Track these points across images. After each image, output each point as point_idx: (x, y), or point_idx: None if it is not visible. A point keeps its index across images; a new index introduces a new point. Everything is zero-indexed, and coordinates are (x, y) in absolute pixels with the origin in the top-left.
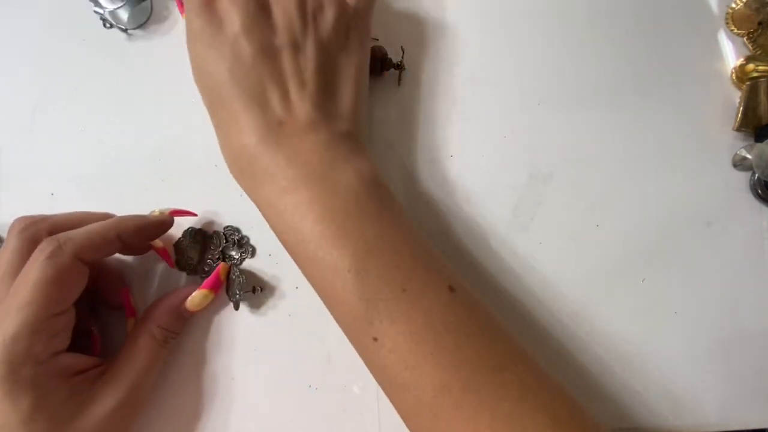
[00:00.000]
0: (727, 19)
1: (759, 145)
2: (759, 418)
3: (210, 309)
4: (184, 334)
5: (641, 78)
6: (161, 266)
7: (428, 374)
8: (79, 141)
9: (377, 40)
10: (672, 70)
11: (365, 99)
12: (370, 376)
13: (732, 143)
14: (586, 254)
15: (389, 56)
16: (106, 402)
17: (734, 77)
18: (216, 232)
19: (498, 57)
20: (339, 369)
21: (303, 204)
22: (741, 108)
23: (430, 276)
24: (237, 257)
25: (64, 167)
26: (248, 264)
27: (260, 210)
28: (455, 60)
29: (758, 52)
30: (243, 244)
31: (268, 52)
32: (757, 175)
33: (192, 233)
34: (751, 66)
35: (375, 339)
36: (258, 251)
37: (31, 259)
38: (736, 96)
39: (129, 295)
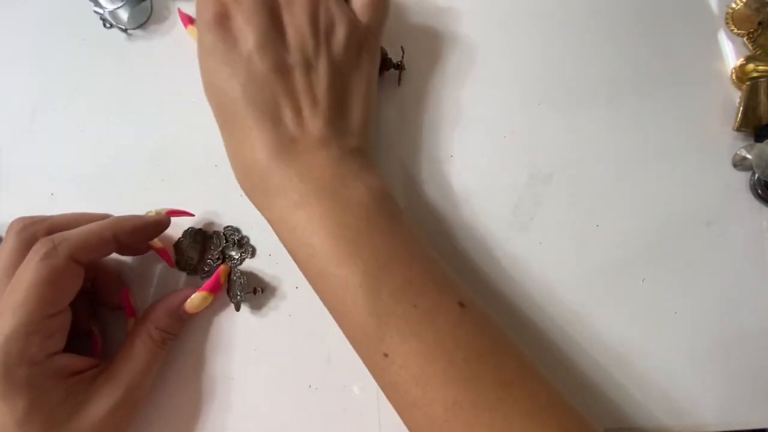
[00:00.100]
0: (727, 19)
1: (759, 145)
2: (759, 418)
3: (210, 310)
4: (185, 334)
5: (641, 78)
6: (161, 266)
7: (439, 391)
8: (79, 141)
9: None
10: (672, 70)
11: (375, 115)
12: (370, 376)
13: (732, 143)
14: (586, 254)
15: (389, 56)
16: (103, 403)
17: (734, 77)
18: (216, 232)
19: (498, 57)
20: (339, 369)
21: (315, 219)
22: (741, 108)
23: (440, 292)
24: (237, 257)
25: (64, 167)
26: (248, 264)
27: (271, 225)
28: (455, 60)
29: (758, 52)
30: (243, 244)
31: (281, 70)
32: (757, 175)
33: (192, 233)
34: (751, 66)
35: (385, 355)
36: (258, 251)
37: (25, 260)
38: (736, 96)
39: (129, 295)
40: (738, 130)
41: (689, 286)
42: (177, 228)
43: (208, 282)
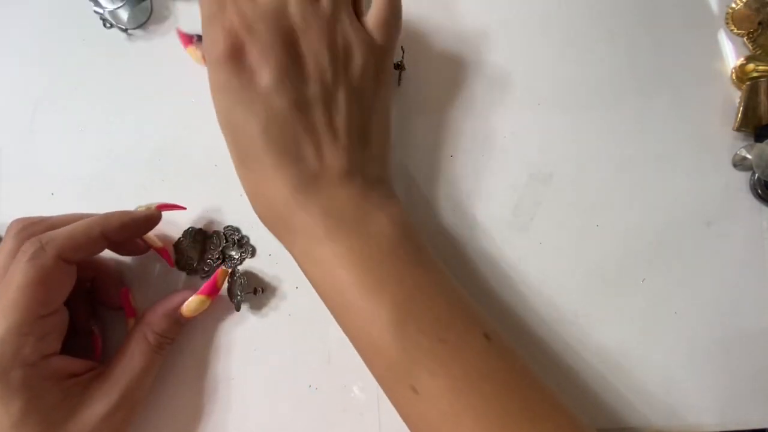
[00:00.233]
0: (727, 19)
1: (759, 145)
2: (759, 418)
3: (211, 310)
4: (185, 335)
5: (641, 78)
6: (161, 266)
7: (467, 425)
8: (79, 141)
9: None
10: (672, 70)
11: (392, 139)
12: (371, 376)
13: (732, 143)
14: (586, 254)
15: None
16: (99, 406)
17: (734, 77)
18: (216, 232)
19: (498, 57)
20: (339, 369)
21: (341, 254)
22: (741, 108)
23: (466, 325)
24: (237, 257)
25: (64, 167)
26: (248, 264)
27: (296, 260)
28: (455, 60)
29: (758, 52)
30: (243, 244)
31: (300, 106)
32: (757, 175)
33: (192, 233)
34: (751, 66)
35: (414, 390)
36: (258, 251)
37: (14, 261)
38: (736, 96)
39: (129, 296)
40: (738, 130)
41: (689, 286)
42: (177, 228)
43: (205, 285)
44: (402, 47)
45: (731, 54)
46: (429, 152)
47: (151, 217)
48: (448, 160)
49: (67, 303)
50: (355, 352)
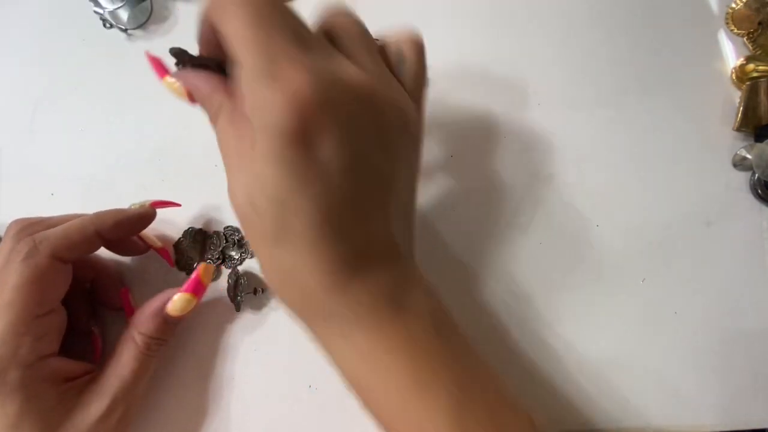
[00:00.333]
0: (727, 19)
1: (759, 145)
2: (759, 418)
3: (211, 311)
4: (185, 335)
5: (641, 78)
6: (161, 266)
7: None
8: (79, 141)
9: (377, 40)
10: (672, 70)
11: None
12: None
13: (732, 143)
14: (586, 254)
15: None
16: (92, 411)
17: (734, 77)
18: (216, 232)
19: (498, 57)
20: None
21: (386, 337)
22: (741, 108)
23: (514, 411)
24: (237, 257)
25: (64, 167)
26: (248, 264)
27: (327, 348)
28: (455, 60)
29: (758, 52)
30: (243, 244)
31: (362, 182)
32: (757, 175)
33: (192, 233)
34: (751, 66)
35: None
36: None
37: (9, 261)
38: (736, 96)
39: (128, 296)
40: (738, 130)
41: (689, 286)
42: (177, 228)
43: (189, 283)
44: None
45: (731, 54)
46: (429, 152)
47: (145, 215)
48: (448, 160)
49: (67, 303)
50: None
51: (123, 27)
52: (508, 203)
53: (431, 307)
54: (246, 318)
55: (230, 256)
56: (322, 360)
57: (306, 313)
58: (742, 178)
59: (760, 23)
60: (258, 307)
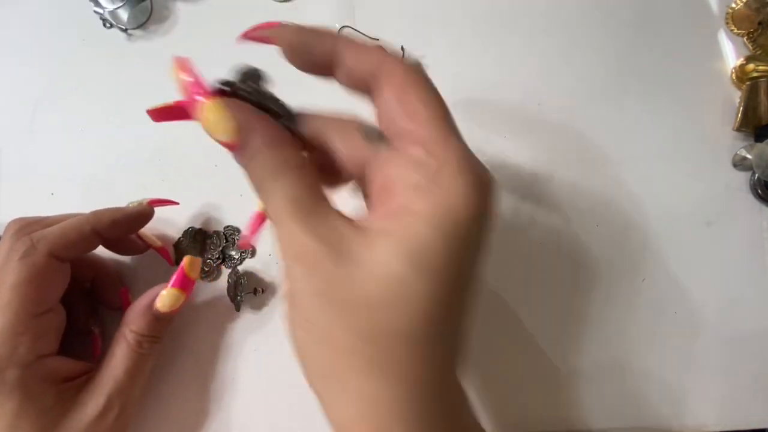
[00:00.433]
0: (727, 19)
1: (759, 145)
2: (759, 418)
3: (211, 310)
4: (185, 335)
5: (641, 78)
6: (161, 266)
7: None
8: (79, 141)
9: (377, 40)
10: (672, 70)
11: None
12: None
13: (732, 143)
14: (586, 254)
15: None
16: (88, 411)
17: (734, 77)
18: (216, 232)
19: (498, 57)
20: None
21: None
22: (741, 108)
23: None
24: (237, 257)
25: (64, 167)
26: (248, 264)
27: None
28: (455, 60)
29: (758, 52)
30: None
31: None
32: (757, 175)
33: (192, 233)
34: (751, 66)
35: None
36: (258, 251)
37: (6, 260)
38: (736, 96)
39: (128, 295)
40: (738, 130)
41: (689, 286)
42: (177, 228)
43: (175, 278)
44: (402, 47)
45: (731, 54)
46: None
47: (143, 213)
48: None
49: (67, 303)
50: None
51: (123, 27)
52: (508, 203)
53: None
54: (246, 318)
55: (230, 255)
56: None
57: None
58: (742, 178)
59: (760, 23)
60: (258, 307)
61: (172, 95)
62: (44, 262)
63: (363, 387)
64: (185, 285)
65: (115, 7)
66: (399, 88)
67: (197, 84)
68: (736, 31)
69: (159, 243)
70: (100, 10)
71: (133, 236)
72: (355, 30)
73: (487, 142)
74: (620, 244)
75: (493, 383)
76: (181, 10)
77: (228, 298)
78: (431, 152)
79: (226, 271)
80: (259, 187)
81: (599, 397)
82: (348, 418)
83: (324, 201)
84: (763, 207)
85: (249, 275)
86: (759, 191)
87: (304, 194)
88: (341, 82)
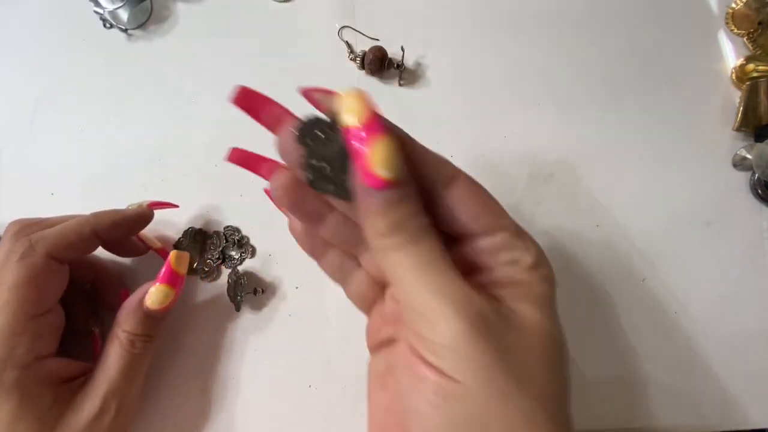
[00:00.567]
0: (727, 19)
1: (759, 145)
2: (759, 418)
3: (211, 310)
4: (185, 335)
5: (641, 78)
6: (161, 267)
7: None
8: (79, 141)
9: (377, 40)
10: (672, 70)
11: None
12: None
13: (732, 143)
14: (586, 254)
15: (389, 56)
16: (85, 412)
17: (734, 77)
18: (216, 232)
19: (498, 57)
20: (339, 369)
21: None
22: (741, 108)
23: None
24: (237, 257)
25: (64, 167)
26: (248, 264)
27: None
28: (455, 60)
29: (758, 52)
30: (243, 244)
31: None
32: (757, 175)
33: (192, 233)
34: (751, 66)
35: None
36: (258, 251)
37: (5, 261)
38: (736, 96)
39: (128, 297)
40: (738, 130)
41: (689, 286)
42: (177, 228)
43: (162, 274)
44: (402, 47)
45: (731, 54)
46: None
47: (142, 215)
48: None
49: (67, 304)
50: (355, 351)
51: (123, 27)
52: (508, 203)
53: None
54: (246, 318)
55: (230, 256)
56: (322, 360)
57: None
58: (742, 178)
59: (760, 23)
60: (258, 307)
61: (172, 95)
62: (43, 264)
63: None
64: (173, 281)
65: (115, 7)
66: (471, 188)
67: (378, 117)
68: (736, 31)
69: (159, 244)
70: (100, 10)
71: (133, 238)
72: (355, 30)
73: (487, 142)
74: (620, 244)
75: None
76: (181, 10)
77: (228, 298)
78: (519, 235)
79: (226, 271)
80: (400, 232)
81: (598, 396)
82: None
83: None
84: (763, 207)
85: (249, 275)
86: (759, 191)
87: (444, 252)
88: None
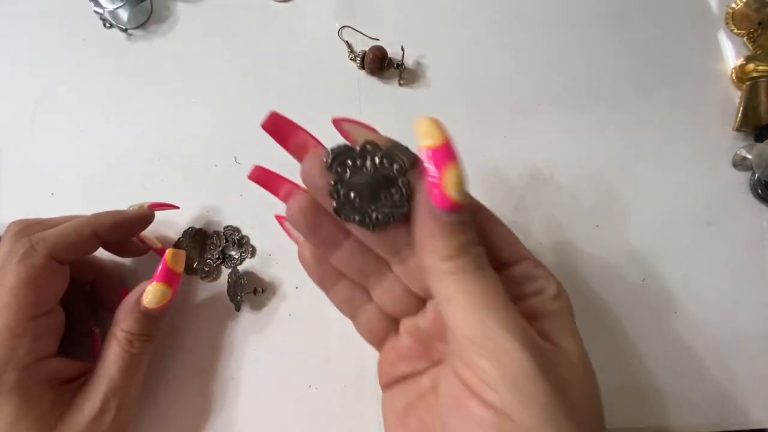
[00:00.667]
0: (727, 19)
1: (759, 145)
2: (759, 418)
3: (211, 310)
4: (185, 334)
5: (641, 78)
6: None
7: None
8: (79, 141)
9: (377, 40)
10: (672, 70)
11: None
12: (371, 376)
13: (732, 143)
14: (586, 254)
15: (389, 56)
16: (85, 410)
17: (734, 77)
18: (216, 232)
19: (498, 57)
20: (339, 369)
21: None
22: (741, 108)
23: None
24: (237, 257)
25: (64, 167)
26: (248, 264)
27: None
28: (455, 60)
29: (758, 52)
30: (243, 244)
31: None
32: (757, 175)
33: (192, 233)
34: (751, 66)
35: None
36: (258, 251)
37: (6, 262)
38: (736, 96)
39: None
40: (738, 130)
41: (689, 286)
42: (177, 228)
43: (159, 272)
44: (402, 47)
45: (731, 54)
46: None
47: (143, 216)
48: None
49: (68, 305)
50: (355, 351)
51: (123, 27)
52: (509, 203)
53: None
54: (246, 318)
55: (230, 255)
56: (322, 360)
57: None
58: (742, 178)
59: (760, 23)
60: (258, 307)
61: (172, 95)
62: (43, 264)
63: None
64: (170, 279)
65: (115, 7)
66: (491, 218)
67: (450, 143)
68: (736, 31)
69: (159, 244)
70: (100, 10)
71: (134, 238)
72: (355, 30)
73: (487, 142)
74: (620, 244)
75: None
76: (181, 10)
77: (228, 298)
78: (538, 265)
79: (226, 271)
80: (463, 256)
81: None
82: None
83: None
84: (763, 207)
85: (249, 275)
86: (759, 191)
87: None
88: None
